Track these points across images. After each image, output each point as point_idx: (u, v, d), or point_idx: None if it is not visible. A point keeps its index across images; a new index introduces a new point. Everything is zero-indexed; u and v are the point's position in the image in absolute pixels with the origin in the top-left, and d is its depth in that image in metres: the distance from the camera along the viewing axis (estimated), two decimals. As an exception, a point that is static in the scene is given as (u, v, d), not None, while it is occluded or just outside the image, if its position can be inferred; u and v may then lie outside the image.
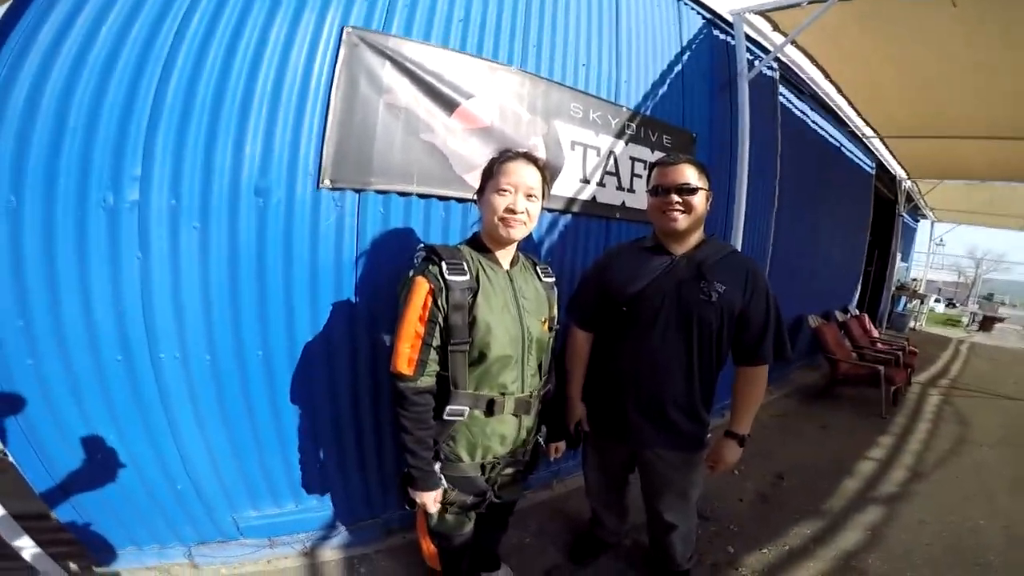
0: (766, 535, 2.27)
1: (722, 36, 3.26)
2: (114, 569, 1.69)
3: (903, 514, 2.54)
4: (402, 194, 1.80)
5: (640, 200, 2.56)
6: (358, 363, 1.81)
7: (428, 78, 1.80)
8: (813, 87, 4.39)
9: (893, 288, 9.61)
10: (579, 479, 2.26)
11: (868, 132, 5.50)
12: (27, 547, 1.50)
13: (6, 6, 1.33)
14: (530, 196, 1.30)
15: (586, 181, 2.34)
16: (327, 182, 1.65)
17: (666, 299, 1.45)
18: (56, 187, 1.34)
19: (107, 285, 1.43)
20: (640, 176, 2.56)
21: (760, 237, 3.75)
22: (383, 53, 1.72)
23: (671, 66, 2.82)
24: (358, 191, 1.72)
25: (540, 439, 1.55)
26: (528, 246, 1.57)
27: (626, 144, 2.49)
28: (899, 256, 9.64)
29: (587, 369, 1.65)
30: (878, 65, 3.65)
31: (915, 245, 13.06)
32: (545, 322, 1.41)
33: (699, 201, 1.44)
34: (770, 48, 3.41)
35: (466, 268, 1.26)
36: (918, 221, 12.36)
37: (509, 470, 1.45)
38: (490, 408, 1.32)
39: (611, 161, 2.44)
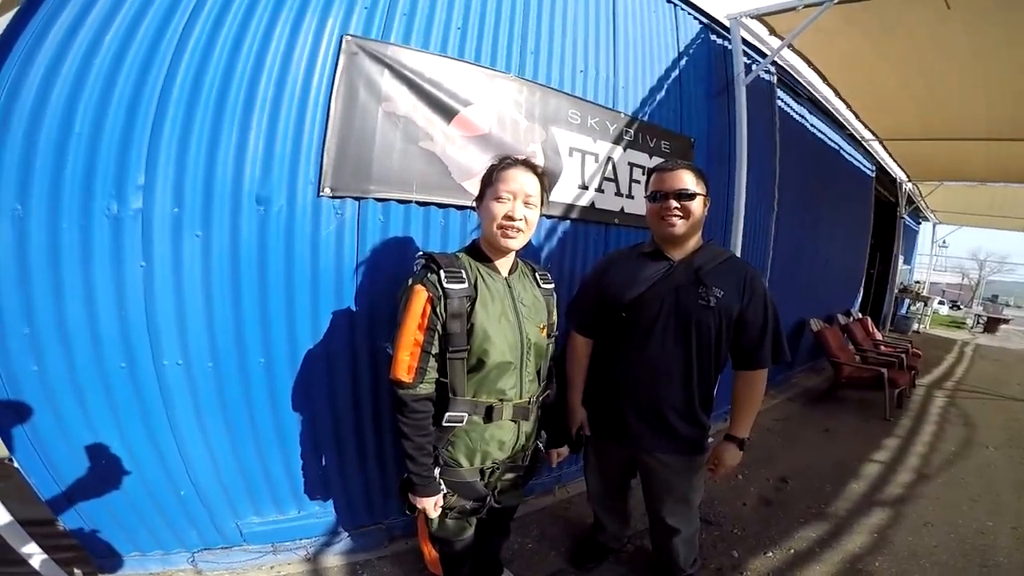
0: (770, 539, 2.26)
1: (719, 41, 3.29)
2: (118, 575, 1.70)
3: (909, 517, 2.53)
4: (401, 202, 1.82)
5: (639, 206, 2.57)
6: (359, 370, 1.82)
7: (427, 86, 1.82)
8: (811, 90, 4.41)
9: (896, 291, 9.57)
10: (581, 484, 2.26)
11: (867, 135, 5.52)
12: (33, 553, 1.51)
13: (11, 14, 1.36)
14: (528, 203, 1.30)
15: (584, 187, 2.35)
16: (327, 190, 1.67)
17: (664, 304, 1.46)
18: (61, 195, 1.36)
19: (111, 293, 1.45)
20: (639, 182, 2.57)
21: (760, 241, 3.75)
22: (382, 61, 1.74)
23: (668, 71, 2.84)
24: (358, 199, 1.74)
25: (540, 444, 1.55)
26: (527, 252, 1.58)
27: (624, 150, 2.50)
28: (901, 259, 9.62)
29: (587, 374, 1.66)
30: (876, 67, 3.66)
31: (917, 247, 13.02)
32: (544, 328, 1.42)
33: (697, 207, 1.45)
34: (767, 52, 3.43)
35: (464, 276, 1.27)
36: (920, 223, 12.34)
37: (509, 475, 1.46)
38: (488, 414, 1.33)
39: (609, 167, 2.45)
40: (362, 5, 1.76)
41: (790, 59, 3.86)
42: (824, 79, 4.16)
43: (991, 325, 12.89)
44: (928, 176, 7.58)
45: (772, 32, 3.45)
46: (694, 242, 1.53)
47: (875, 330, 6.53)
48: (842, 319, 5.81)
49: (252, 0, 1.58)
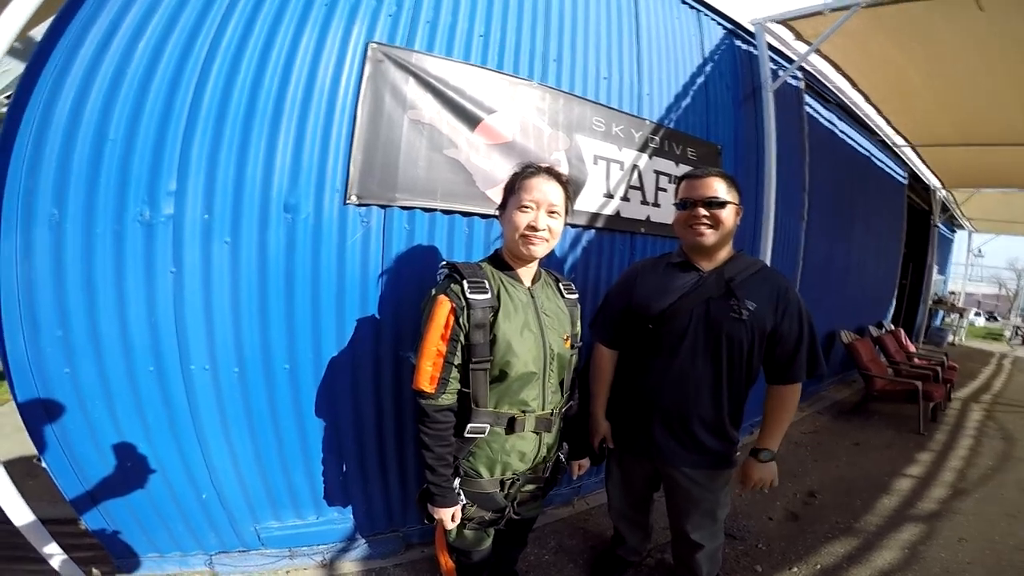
0: (796, 554, 2.19)
1: (744, 46, 3.23)
2: (136, 575, 1.72)
3: (942, 532, 2.43)
4: (426, 210, 1.82)
5: (666, 215, 2.53)
6: (382, 378, 1.82)
7: (451, 93, 1.83)
8: (840, 96, 4.29)
9: (930, 302, 9.22)
10: (601, 496, 2.21)
11: (899, 141, 5.34)
12: (54, 553, 1.54)
13: (47, 24, 1.41)
14: (552, 213, 1.28)
15: (610, 196, 2.32)
16: (354, 198, 1.68)
17: (694, 317, 1.42)
18: (96, 200, 1.41)
19: (142, 297, 1.48)
20: (665, 190, 2.53)
21: (790, 251, 3.65)
22: (407, 69, 1.76)
23: (693, 78, 2.80)
24: (384, 207, 1.74)
25: (562, 456, 1.52)
26: (551, 262, 1.56)
27: (650, 158, 2.47)
28: (935, 269, 9.27)
29: (612, 386, 1.62)
30: (906, 71, 3.55)
31: (952, 256, 12.53)
32: (567, 339, 1.39)
33: (728, 215, 1.41)
34: (794, 57, 3.36)
35: (488, 286, 1.26)
36: (955, 232, 11.88)
37: (529, 487, 1.43)
38: (511, 425, 1.31)
39: (635, 175, 2.42)
40: (387, 12, 1.77)
41: (818, 64, 3.78)
42: (853, 84, 4.05)
43: (1031, 338, 12.34)
44: (963, 183, 7.29)
45: (799, 37, 3.37)
46: (725, 252, 1.48)
47: (908, 342, 6.30)
48: (874, 331, 5.62)
49: (280, 8, 1.62)
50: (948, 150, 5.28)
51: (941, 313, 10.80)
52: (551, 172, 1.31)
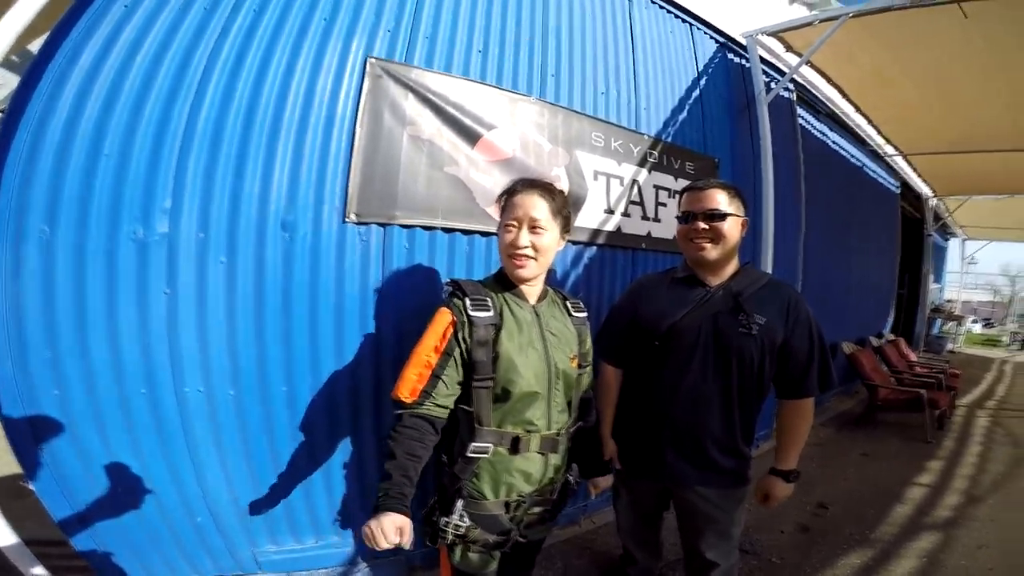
0: (811, 567, 2.15)
1: (736, 59, 3.28)
2: None
3: (960, 539, 2.40)
4: (427, 228, 1.80)
5: (666, 230, 2.53)
6: (382, 400, 1.77)
7: (450, 109, 1.82)
8: (831, 107, 4.35)
9: (928, 310, 9.25)
10: (608, 514, 2.16)
11: (889, 150, 5.42)
12: (41, 575, 1.48)
13: (44, 38, 1.39)
14: (535, 229, 1.23)
15: (610, 211, 2.32)
16: (353, 216, 1.66)
17: (702, 333, 1.39)
18: (88, 218, 1.37)
19: (134, 318, 1.44)
20: (665, 205, 2.53)
21: (789, 264, 3.65)
22: (406, 84, 1.75)
23: (689, 91, 2.83)
24: (383, 225, 1.72)
25: (571, 477, 1.47)
26: (552, 280, 1.54)
27: (649, 172, 2.47)
28: (931, 277, 9.32)
29: (618, 406, 1.59)
30: (895, 81, 3.61)
31: (946, 265, 12.62)
32: (574, 359, 1.36)
33: (730, 228, 1.38)
34: (785, 69, 3.40)
35: (490, 304, 1.23)
36: (948, 240, 11.99)
37: (536, 509, 1.38)
38: (515, 446, 1.27)
39: (635, 190, 2.42)
40: (385, 28, 1.78)
41: (808, 75, 3.83)
42: (844, 94, 4.12)
43: (1029, 343, 12.40)
44: (954, 191, 7.41)
45: (789, 49, 3.43)
46: (732, 266, 1.46)
47: (909, 351, 6.30)
48: (874, 341, 5.62)
49: (279, 22, 1.61)
50: (938, 158, 5.35)
51: (939, 321, 10.84)
52: (534, 185, 1.28)
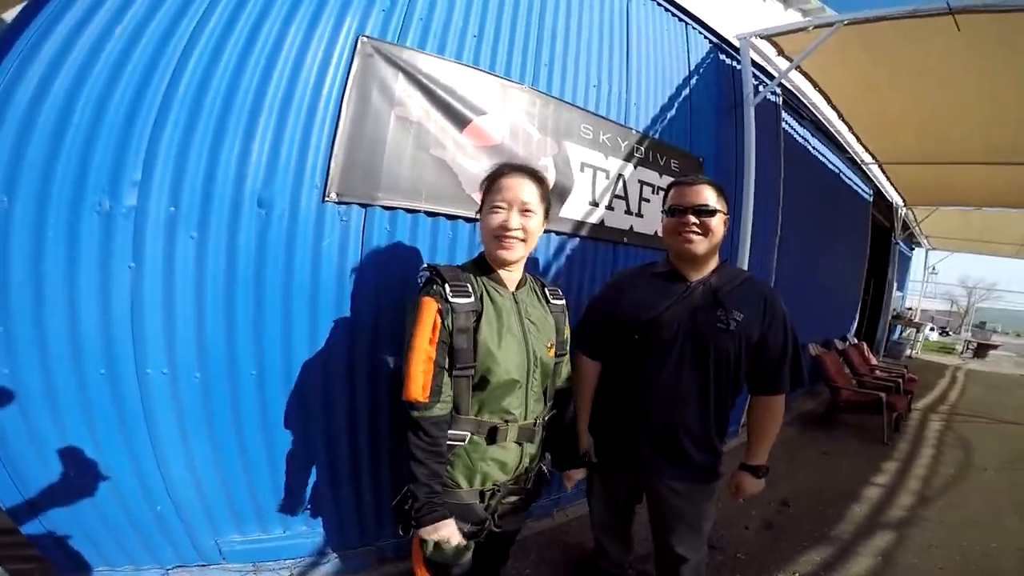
0: (775, 563, 2.22)
1: (728, 61, 3.29)
2: None
3: (913, 539, 2.52)
4: (409, 211, 1.76)
5: (648, 225, 2.53)
6: (356, 385, 1.73)
7: (441, 92, 1.77)
8: (815, 112, 4.43)
9: (890, 317, 9.64)
10: (581, 507, 2.18)
11: (867, 158, 5.56)
12: None
13: (22, 5, 1.33)
14: (526, 212, 1.23)
15: (595, 204, 2.31)
16: (333, 195, 1.60)
17: (681, 327, 1.40)
18: (51, 188, 1.30)
19: (95, 294, 1.37)
20: (648, 200, 2.54)
21: (764, 264, 3.72)
22: (397, 65, 1.70)
23: (679, 89, 2.83)
24: (364, 206, 1.67)
25: (544, 467, 1.47)
26: (534, 270, 1.53)
27: (635, 167, 2.47)
28: (895, 285, 9.70)
29: (595, 399, 1.59)
30: (881, 90, 3.69)
31: (910, 274, 13.16)
32: (552, 347, 1.35)
33: (717, 224, 1.40)
34: (775, 73, 3.44)
35: (470, 290, 1.21)
36: (913, 250, 12.50)
37: (511, 498, 1.38)
38: (492, 435, 1.26)
39: (620, 184, 2.41)
40: (380, 7, 1.72)
41: (795, 80, 3.88)
42: (829, 100, 4.18)
43: (981, 351, 13.09)
44: (924, 201, 7.68)
45: (780, 53, 3.46)
46: (712, 262, 1.47)
47: (871, 355, 6.55)
48: (839, 344, 5.82)
49: None
50: (912, 168, 5.53)
51: (899, 328, 11.31)
52: (524, 170, 1.27)
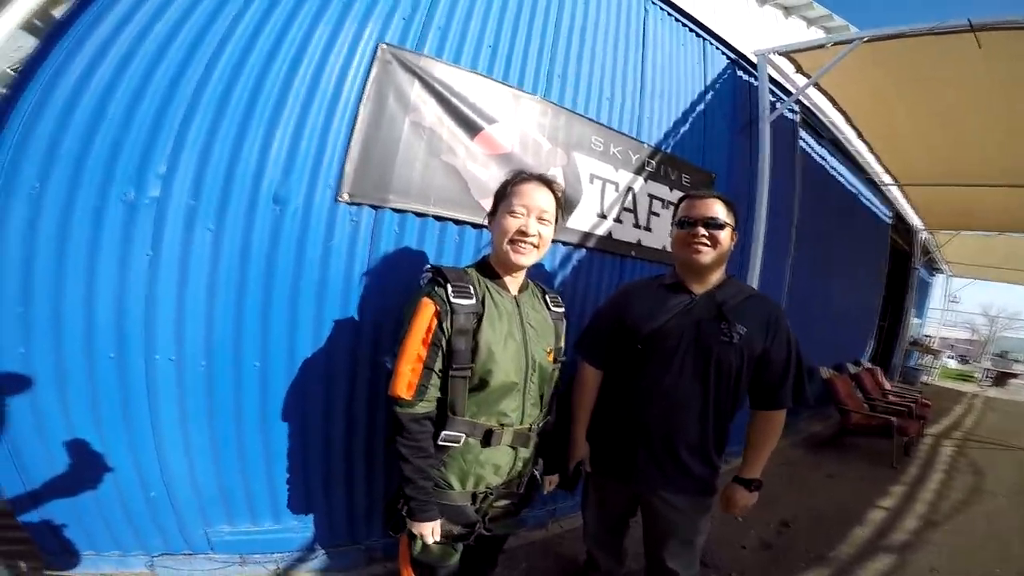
0: (771, 583, 2.17)
1: (745, 77, 3.28)
2: (68, 574, 1.60)
3: (914, 562, 2.45)
4: (419, 215, 1.79)
5: (656, 240, 2.53)
6: (357, 383, 1.76)
7: (454, 100, 1.81)
8: (833, 131, 4.38)
9: (907, 344, 9.41)
10: (575, 520, 2.17)
11: (887, 179, 5.46)
12: None
13: (68, 5, 1.40)
14: (543, 220, 1.27)
15: (603, 216, 2.31)
16: (346, 195, 1.64)
17: (684, 338, 1.40)
18: (81, 178, 1.36)
19: (113, 280, 1.42)
20: (658, 215, 2.53)
21: (776, 284, 3.67)
22: (413, 72, 1.74)
23: (694, 105, 2.83)
24: (375, 207, 1.71)
25: (537, 472, 1.48)
26: (540, 278, 1.55)
27: (645, 181, 2.47)
28: (913, 312, 9.48)
29: (594, 407, 1.59)
30: (900, 108, 3.63)
31: (930, 301, 12.85)
32: (551, 353, 1.36)
33: (725, 237, 1.41)
34: (792, 90, 3.41)
35: (472, 292, 1.23)
36: (933, 276, 12.21)
37: (503, 502, 1.38)
38: (487, 438, 1.27)
39: (629, 197, 2.41)
40: (400, 16, 1.78)
41: (814, 97, 3.85)
42: (847, 119, 4.13)
43: (1000, 379, 12.76)
44: (945, 225, 7.50)
45: (799, 70, 3.44)
46: (717, 276, 1.48)
47: (884, 380, 6.41)
48: (852, 368, 5.71)
49: (298, 2, 1.62)
50: (933, 190, 5.39)
51: (916, 354, 11.05)
52: (543, 179, 1.31)
